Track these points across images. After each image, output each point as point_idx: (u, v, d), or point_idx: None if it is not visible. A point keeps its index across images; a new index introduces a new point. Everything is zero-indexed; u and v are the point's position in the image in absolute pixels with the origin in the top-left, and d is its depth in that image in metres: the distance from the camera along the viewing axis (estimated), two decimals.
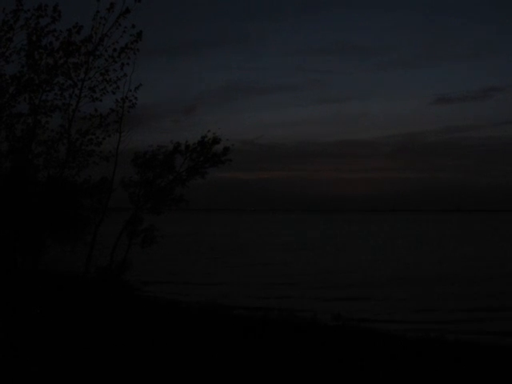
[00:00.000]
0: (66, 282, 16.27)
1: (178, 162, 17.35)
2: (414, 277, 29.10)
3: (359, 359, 8.80)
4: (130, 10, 13.81)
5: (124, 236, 16.98)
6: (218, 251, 43.53)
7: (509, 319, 17.94)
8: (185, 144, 17.28)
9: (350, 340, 10.72)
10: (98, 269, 16.35)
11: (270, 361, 8.40)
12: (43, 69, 13.85)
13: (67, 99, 14.41)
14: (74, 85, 14.24)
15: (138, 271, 19.14)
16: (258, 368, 7.98)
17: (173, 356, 8.41)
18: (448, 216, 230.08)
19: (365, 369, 8.22)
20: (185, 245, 49.34)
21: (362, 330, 12.51)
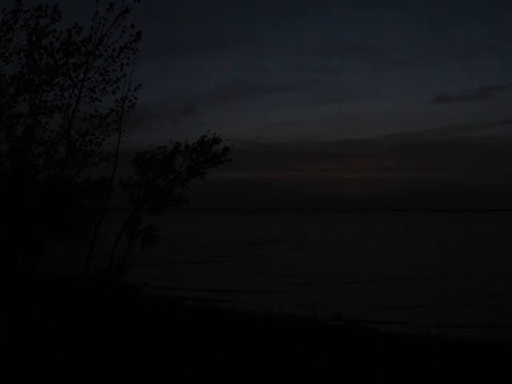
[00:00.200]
0: (66, 282, 16.27)
1: (178, 162, 17.37)
2: (413, 276, 29.12)
3: (359, 359, 8.81)
4: (130, 9, 13.81)
5: (124, 236, 16.98)
6: (217, 251, 43.52)
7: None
8: (184, 144, 17.30)
9: (349, 340, 10.73)
10: (98, 269, 16.35)
11: (270, 361, 8.40)
12: (43, 69, 13.84)
13: (67, 99, 14.41)
14: (73, 85, 14.25)
15: (137, 271, 19.15)
16: (258, 368, 7.98)
17: (173, 356, 8.42)
18: (448, 216, 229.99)
19: (365, 369, 8.22)
20: (184, 244, 49.35)
21: (361, 330, 12.52)
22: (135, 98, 15.20)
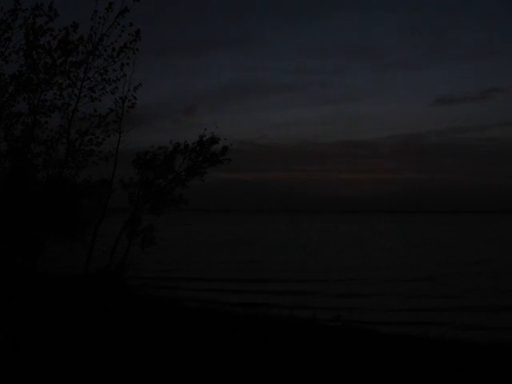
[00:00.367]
0: (66, 282, 16.25)
1: (178, 162, 17.36)
2: (413, 276, 29.11)
3: (359, 360, 8.78)
4: (129, 9, 13.83)
5: (124, 236, 16.97)
6: (218, 250, 43.54)
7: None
8: (184, 144, 17.29)
9: (349, 340, 10.70)
10: (98, 269, 16.33)
11: (270, 361, 8.38)
12: (42, 68, 13.85)
13: (66, 99, 14.42)
14: (72, 84, 14.25)
15: (137, 271, 19.12)
16: (258, 368, 7.96)
17: (173, 356, 8.40)
18: (448, 217, 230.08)
19: (364, 369, 8.20)
20: (184, 244, 49.35)
21: (361, 330, 12.49)
22: (135, 98, 15.23)
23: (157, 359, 8.20)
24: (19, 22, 13.30)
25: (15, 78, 13.63)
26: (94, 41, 14.04)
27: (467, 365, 8.97)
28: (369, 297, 22.45)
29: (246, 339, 10.00)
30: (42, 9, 13.36)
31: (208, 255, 40.51)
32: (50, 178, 14.86)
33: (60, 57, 13.82)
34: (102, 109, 14.96)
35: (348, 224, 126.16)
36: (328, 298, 22.12)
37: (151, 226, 17.24)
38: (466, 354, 9.91)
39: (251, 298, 20.98)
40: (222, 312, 14.51)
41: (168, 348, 8.86)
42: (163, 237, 17.74)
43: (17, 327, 9.64)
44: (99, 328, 10.01)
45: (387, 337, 11.81)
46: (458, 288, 25.06)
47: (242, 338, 10.07)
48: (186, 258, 38.79)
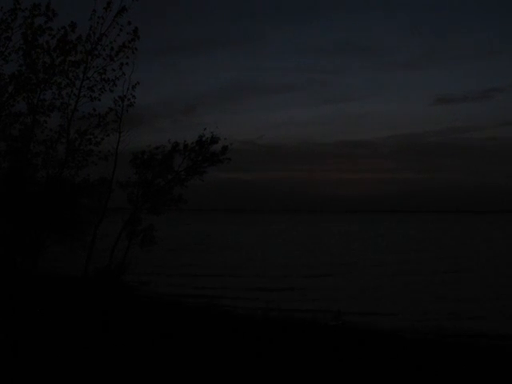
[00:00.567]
0: (66, 282, 16.24)
1: (177, 162, 17.35)
2: (413, 277, 29.10)
3: (359, 359, 8.77)
4: (127, 8, 13.82)
5: (123, 236, 16.96)
6: (218, 250, 43.54)
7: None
8: (183, 143, 17.28)
9: (349, 340, 10.69)
10: (98, 269, 16.32)
11: (270, 361, 8.37)
12: (41, 68, 13.83)
13: (65, 99, 14.41)
14: (71, 84, 14.23)
15: (137, 271, 19.11)
16: (258, 368, 7.94)
17: (172, 356, 8.38)
18: (448, 217, 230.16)
19: (364, 369, 8.18)
20: (184, 244, 49.34)
21: (361, 330, 12.48)
22: (134, 97, 15.25)
23: (157, 359, 8.18)
24: (19, 22, 13.29)
25: (14, 78, 13.61)
26: (92, 40, 14.03)
27: (467, 365, 8.97)
28: (369, 295, 22.44)
29: (247, 339, 9.99)
30: (40, 8, 13.34)
31: (208, 255, 40.51)
32: (49, 178, 14.84)
33: (59, 56, 13.81)
34: (101, 108, 14.97)
35: (354, 224, 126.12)
36: (327, 296, 22.08)
37: (151, 225, 17.24)
38: (466, 355, 9.90)
39: (251, 298, 20.94)
40: (221, 312, 14.51)
41: (168, 348, 8.85)
42: (162, 237, 17.74)
43: (17, 327, 9.63)
44: (99, 328, 9.99)
45: (387, 336, 11.81)
46: (459, 288, 25.05)
47: (242, 338, 10.05)
48: (186, 258, 38.77)
